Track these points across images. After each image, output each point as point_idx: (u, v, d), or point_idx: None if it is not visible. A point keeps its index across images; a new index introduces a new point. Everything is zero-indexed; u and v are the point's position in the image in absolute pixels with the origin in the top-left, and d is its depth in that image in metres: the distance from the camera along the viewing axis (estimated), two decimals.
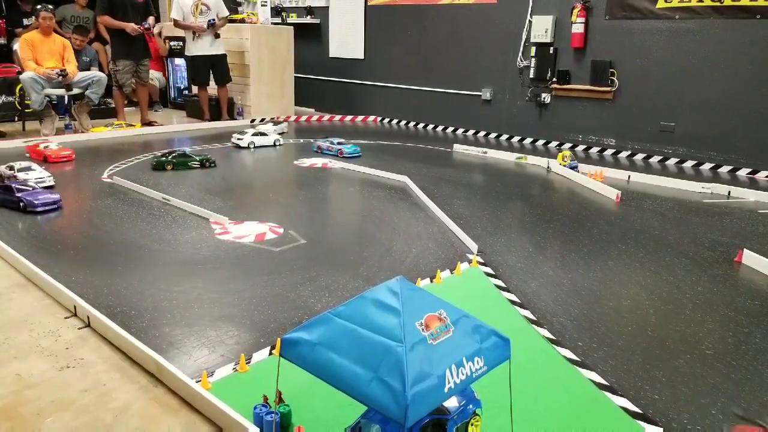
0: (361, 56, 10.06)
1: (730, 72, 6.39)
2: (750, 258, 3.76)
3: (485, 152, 7.20)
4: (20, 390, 2.18)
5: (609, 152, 7.39)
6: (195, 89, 9.20)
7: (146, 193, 4.98)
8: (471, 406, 1.91)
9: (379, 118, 9.96)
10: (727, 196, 5.48)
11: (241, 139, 7.15)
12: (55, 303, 2.88)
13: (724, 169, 6.53)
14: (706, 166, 6.66)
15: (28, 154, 6.16)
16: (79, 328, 2.64)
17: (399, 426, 1.54)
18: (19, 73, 7.57)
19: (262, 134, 7.25)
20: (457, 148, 7.46)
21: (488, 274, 3.47)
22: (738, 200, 5.37)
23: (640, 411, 2.21)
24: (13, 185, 4.57)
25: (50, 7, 7.45)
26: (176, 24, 8.40)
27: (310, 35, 10.59)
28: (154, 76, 9.73)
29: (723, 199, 5.41)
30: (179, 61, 10.10)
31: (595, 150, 7.53)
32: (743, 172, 6.39)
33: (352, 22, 10.02)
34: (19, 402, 2.11)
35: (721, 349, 2.70)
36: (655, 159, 7.04)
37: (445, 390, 1.62)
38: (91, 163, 6.11)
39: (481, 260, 3.67)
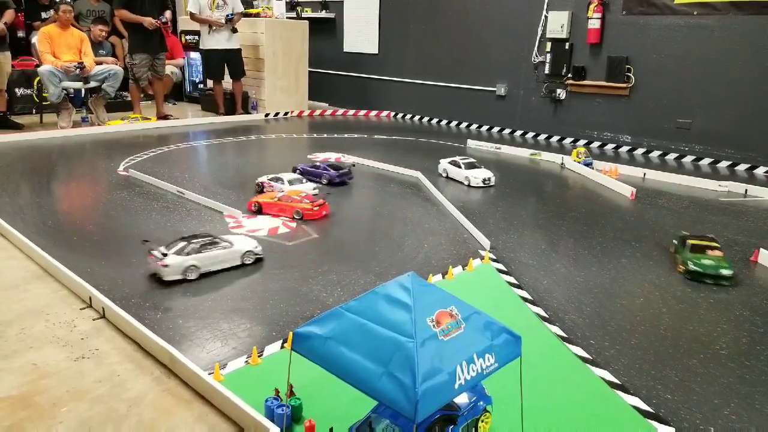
0: (376, 51, 10.05)
1: (749, 69, 6.30)
2: (766, 258, 3.71)
3: (499, 148, 7.17)
4: (36, 379, 2.22)
5: (624, 149, 7.32)
6: (210, 83, 9.26)
7: (161, 186, 5.02)
8: (481, 402, 1.92)
9: (392, 113, 9.95)
10: (743, 194, 5.41)
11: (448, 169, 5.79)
12: (70, 294, 2.93)
13: (741, 167, 6.44)
14: (723, 164, 6.57)
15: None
16: (94, 319, 2.68)
17: (409, 421, 1.55)
18: (37, 66, 7.66)
19: (475, 166, 5.69)
20: (471, 143, 7.43)
21: (500, 271, 3.46)
22: (755, 199, 5.29)
23: (651, 410, 2.20)
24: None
25: (69, 0, 7.53)
26: (193, 17, 8.44)
27: (325, 30, 10.60)
28: (171, 69, 9.78)
29: (740, 197, 5.34)
30: (195, 55, 10.15)
31: (610, 147, 7.46)
32: (760, 171, 6.30)
33: (367, 16, 10.00)
34: (36, 391, 2.15)
35: (735, 350, 2.68)
36: (671, 156, 6.96)
37: (456, 386, 1.62)
38: (108, 156, 6.17)
39: (494, 257, 3.66)
